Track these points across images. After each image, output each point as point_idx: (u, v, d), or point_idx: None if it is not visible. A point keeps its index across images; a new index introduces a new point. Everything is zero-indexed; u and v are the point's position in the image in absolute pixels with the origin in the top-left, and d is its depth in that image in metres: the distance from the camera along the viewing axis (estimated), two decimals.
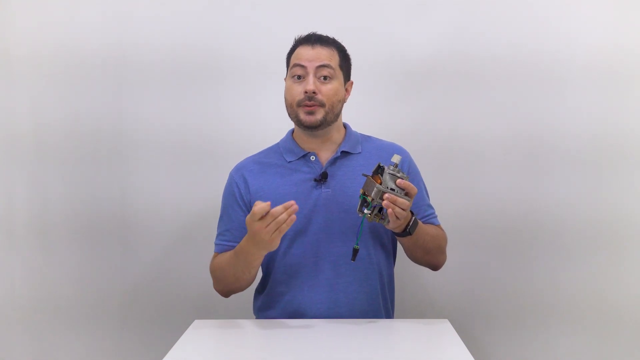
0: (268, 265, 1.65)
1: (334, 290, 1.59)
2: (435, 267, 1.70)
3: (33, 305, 2.14)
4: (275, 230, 1.39)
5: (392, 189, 1.42)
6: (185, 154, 2.10)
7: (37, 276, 2.14)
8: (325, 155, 1.64)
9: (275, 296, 1.64)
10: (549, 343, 2.13)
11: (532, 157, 2.09)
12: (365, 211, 1.42)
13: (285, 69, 1.65)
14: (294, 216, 1.39)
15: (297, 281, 1.60)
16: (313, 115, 1.56)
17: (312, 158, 1.63)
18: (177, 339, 1.42)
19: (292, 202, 1.39)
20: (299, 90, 1.56)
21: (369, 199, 1.41)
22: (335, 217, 1.60)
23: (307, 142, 1.64)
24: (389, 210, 1.40)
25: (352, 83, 1.67)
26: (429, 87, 2.08)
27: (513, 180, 2.09)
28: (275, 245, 1.43)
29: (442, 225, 1.75)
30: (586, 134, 2.07)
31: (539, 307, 2.12)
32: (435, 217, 1.72)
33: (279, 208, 1.38)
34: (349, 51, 1.67)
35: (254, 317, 1.74)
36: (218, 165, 2.04)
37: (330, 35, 1.66)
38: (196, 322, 1.56)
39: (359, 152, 1.66)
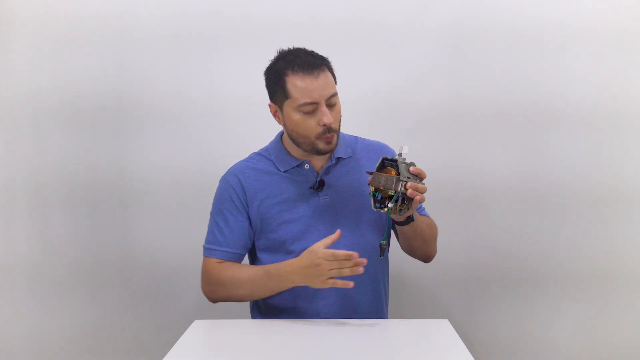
0: None
1: (339, 294, 1.59)
2: (429, 257, 1.71)
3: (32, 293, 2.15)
4: (332, 277, 1.42)
5: (408, 177, 1.44)
6: (190, 124, 2.10)
7: (34, 264, 2.14)
8: (319, 162, 1.64)
9: (278, 304, 1.62)
10: (552, 339, 2.14)
11: (532, 127, 2.10)
12: (390, 205, 1.42)
13: (270, 93, 1.59)
14: (351, 283, 1.43)
15: (300, 289, 1.57)
16: (331, 143, 1.56)
17: (307, 167, 1.63)
18: (177, 339, 1.41)
19: (364, 260, 1.42)
20: (313, 124, 1.53)
21: (391, 192, 1.41)
22: (334, 223, 1.60)
23: (299, 151, 1.62)
24: (417, 198, 1.41)
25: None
26: (430, 56, 2.09)
27: (510, 155, 2.11)
28: (323, 287, 1.45)
29: (438, 208, 1.78)
30: (587, 101, 2.08)
31: (542, 299, 2.14)
32: (424, 209, 1.73)
33: (349, 254, 1.41)
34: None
35: (250, 318, 1.74)
36: (222, 141, 2.08)
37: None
38: (196, 322, 1.55)
39: (350, 156, 1.67)
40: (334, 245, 1.54)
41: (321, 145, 1.55)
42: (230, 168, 1.68)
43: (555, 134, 2.09)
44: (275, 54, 1.58)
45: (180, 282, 2.12)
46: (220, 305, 1.91)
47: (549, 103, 2.08)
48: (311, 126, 1.53)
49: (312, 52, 1.57)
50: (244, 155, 1.72)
